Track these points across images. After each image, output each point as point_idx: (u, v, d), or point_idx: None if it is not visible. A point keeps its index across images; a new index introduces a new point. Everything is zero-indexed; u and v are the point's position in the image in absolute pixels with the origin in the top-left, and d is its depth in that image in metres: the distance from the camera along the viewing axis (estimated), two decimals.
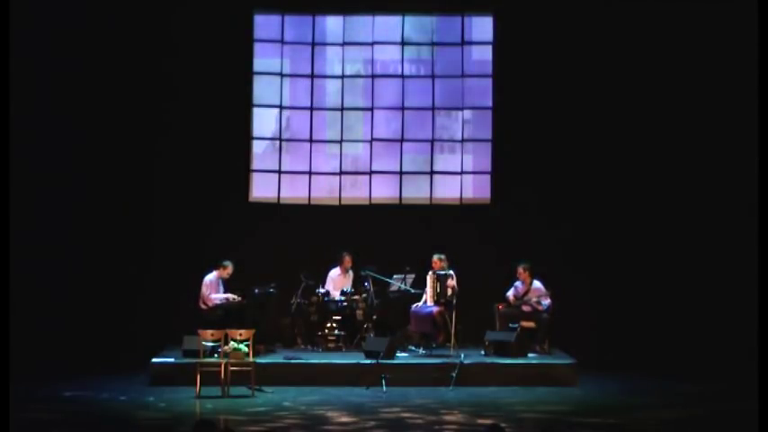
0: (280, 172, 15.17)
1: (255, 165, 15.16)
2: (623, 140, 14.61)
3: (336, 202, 15.16)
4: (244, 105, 15.04)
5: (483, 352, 12.78)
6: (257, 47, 15.11)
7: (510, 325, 12.94)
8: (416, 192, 15.18)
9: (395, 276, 13.57)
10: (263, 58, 15.14)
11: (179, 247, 14.37)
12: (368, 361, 12.17)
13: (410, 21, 15.23)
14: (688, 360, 13.24)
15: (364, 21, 15.22)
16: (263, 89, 15.15)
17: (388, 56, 15.24)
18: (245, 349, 11.39)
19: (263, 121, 15.18)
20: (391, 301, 13.72)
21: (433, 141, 15.23)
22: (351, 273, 14.00)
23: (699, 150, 14.42)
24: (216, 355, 11.64)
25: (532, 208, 14.71)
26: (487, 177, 15.12)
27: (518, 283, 13.47)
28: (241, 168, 15.03)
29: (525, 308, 13.31)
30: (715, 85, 14.32)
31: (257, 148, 15.17)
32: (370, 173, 15.22)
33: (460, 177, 15.17)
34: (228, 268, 13.23)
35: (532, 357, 12.71)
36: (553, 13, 14.69)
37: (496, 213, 14.86)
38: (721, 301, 13.99)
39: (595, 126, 14.65)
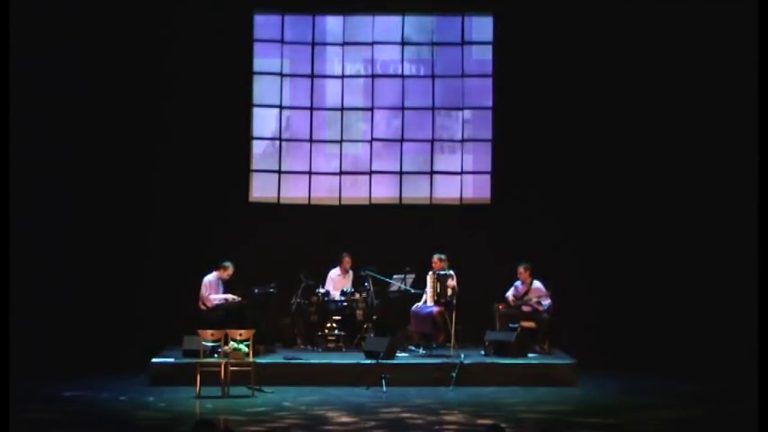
0: (280, 172, 15.17)
1: (255, 165, 15.16)
2: (623, 140, 14.62)
3: (336, 202, 15.16)
4: (244, 105, 15.04)
5: (483, 352, 12.77)
6: (257, 47, 15.11)
7: (510, 325, 12.94)
8: (416, 192, 15.18)
9: (395, 276, 13.57)
10: (263, 58, 15.15)
11: (179, 247, 14.37)
12: (368, 361, 12.16)
13: (410, 21, 15.23)
14: (688, 360, 13.25)
15: (364, 21, 15.23)
16: (263, 89, 15.16)
17: (388, 56, 15.25)
18: (245, 349, 11.39)
19: (263, 121, 15.18)
20: (391, 301, 13.72)
21: (433, 141, 15.23)
22: (351, 273, 14.00)
23: (699, 150, 14.43)
24: (216, 355, 11.64)
25: (532, 208, 14.71)
26: (487, 177, 15.12)
27: (518, 284, 13.47)
28: (241, 168, 15.03)
29: (525, 308, 13.31)
30: (715, 85, 14.32)
31: (257, 148, 15.17)
32: (370, 173, 15.22)
33: (460, 177, 15.17)
34: (229, 269, 13.23)
35: (532, 357, 12.71)
36: (553, 13, 14.70)
37: (497, 213, 14.86)
38: (721, 301, 13.99)
39: (595, 126, 14.66)
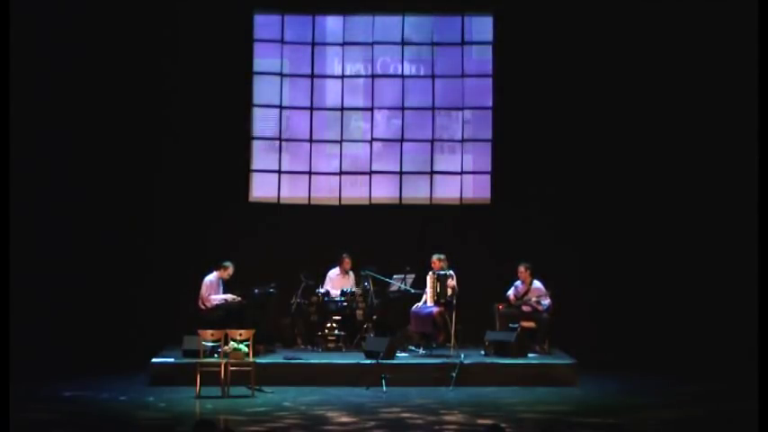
0: (280, 172, 15.17)
1: (255, 165, 15.16)
2: (623, 140, 14.63)
3: (336, 202, 15.16)
4: (244, 105, 15.04)
5: (483, 352, 12.77)
6: (257, 47, 15.11)
7: (510, 325, 12.94)
8: (416, 192, 15.18)
9: (395, 276, 13.57)
10: (263, 58, 15.15)
11: (179, 247, 14.37)
12: (368, 361, 12.16)
13: (410, 21, 15.23)
14: (688, 360, 13.25)
15: (364, 21, 15.23)
16: (263, 89, 15.16)
17: (388, 56, 15.24)
18: (245, 349, 11.39)
19: (263, 121, 15.18)
20: (391, 301, 13.72)
21: (433, 141, 15.23)
22: (351, 273, 14.00)
23: (699, 150, 14.43)
24: (216, 355, 11.64)
25: (532, 208, 14.71)
26: (487, 177, 15.12)
27: (518, 283, 13.47)
28: (241, 168, 15.03)
29: (525, 308, 13.31)
30: (715, 85, 14.32)
31: (257, 148, 15.17)
32: (370, 173, 15.22)
33: (460, 177, 15.17)
34: (229, 269, 13.23)
35: (532, 357, 12.71)
36: (553, 14, 14.70)
37: (497, 213, 14.86)
38: (721, 301, 13.99)
39: (595, 126, 14.66)
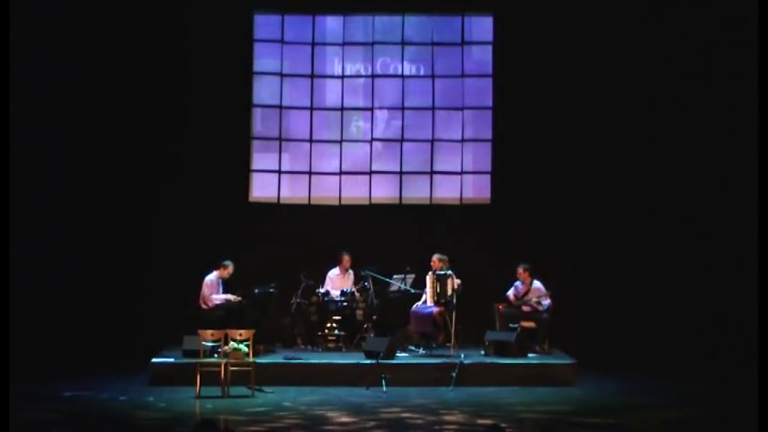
0: (280, 172, 15.17)
1: (255, 165, 15.16)
2: (623, 140, 14.63)
3: (336, 202, 15.16)
4: (244, 105, 15.04)
5: (483, 352, 12.77)
6: (257, 47, 15.12)
7: (510, 325, 12.94)
8: (416, 192, 15.18)
9: (395, 276, 13.57)
10: (263, 59, 15.15)
11: (179, 247, 14.37)
12: (368, 361, 12.16)
13: (410, 21, 15.23)
14: (688, 360, 13.25)
15: (364, 21, 15.23)
16: (263, 89, 15.16)
17: (388, 56, 15.25)
18: (245, 349, 11.39)
19: (263, 121, 15.18)
20: (391, 301, 13.72)
21: (433, 141, 15.23)
22: (351, 273, 14.00)
23: (699, 150, 14.43)
24: (216, 355, 11.64)
25: (532, 208, 14.71)
26: (487, 177, 15.13)
27: (518, 283, 13.47)
28: (241, 168, 15.03)
29: (525, 308, 13.31)
30: (715, 85, 14.31)
31: (257, 148, 15.17)
32: (370, 173, 15.22)
33: (460, 177, 15.17)
34: (229, 268, 13.23)
35: (532, 357, 12.70)
36: (553, 13, 14.70)
37: (497, 213, 14.87)
38: (721, 301, 13.99)
39: (595, 126, 14.67)
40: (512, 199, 14.85)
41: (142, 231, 14.50)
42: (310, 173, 15.20)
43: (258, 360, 11.68)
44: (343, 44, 15.20)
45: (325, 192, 15.17)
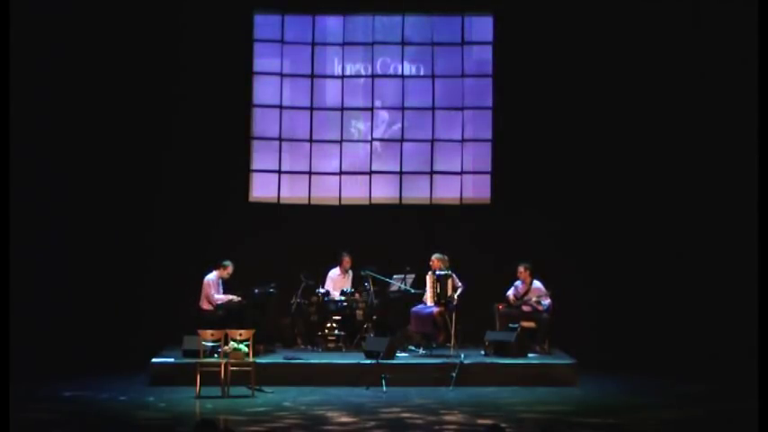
0: (280, 172, 15.17)
1: (255, 165, 15.16)
2: (623, 140, 14.63)
3: (336, 202, 15.16)
4: (244, 105, 15.04)
5: (483, 352, 12.77)
6: (257, 47, 15.12)
7: (510, 325, 12.94)
8: (416, 192, 15.18)
9: (395, 276, 13.56)
10: (263, 58, 15.15)
11: (179, 247, 14.37)
12: (368, 361, 12.16)
13: (410, 21, 15.23)
14: (688, 360, 13.25)
15: (364, 21, 15.23)
16: (263, 89, 15.16)
17: (388, 56, 15.24)
18: (245, 349, 11.39)
19: (263, 121, 15.18)
20: (391, 301, 13.72)
21: (433, 141, 15.23)
22: (350, 273, 14.00)
23: (699, 150, 14.43)
24: (216, 355, 11.64)
25: (532, 208, 14.71)
26: (487, 177, 15.13)
27: (518, 283, 13.47)
28: (241, 168, 15.03)
29: (525, 308, 13.32)
30: (715, 85, 14.32)
31: (257, 148, 15.17)
32: (370, 173, 15.22)
33: (460, 177, 15.17)
34: (228, 268, 13.23)
35: (532, 357, 12.71)
36: (553, 13, 14.70)
37: (497, 213, 14.87)
38: (721, 300, 13.99)
39: (595, 126, 14.66)
40: (512, 199, 14.85)
41: (142, 231, 14.49)
42: (310, 173, 15.20)
43: (258, 360, 11.68)
44: (344, 44, 15.20)
45: (326, 192, 15.17)
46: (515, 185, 14.86)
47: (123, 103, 14.48)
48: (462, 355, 12.19)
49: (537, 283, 13.34)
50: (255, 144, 15.16)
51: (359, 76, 15.26)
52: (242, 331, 11.39)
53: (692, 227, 14.43)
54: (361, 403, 10.86)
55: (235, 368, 11.34)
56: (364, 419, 9.99)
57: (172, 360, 12.14)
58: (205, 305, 13.12)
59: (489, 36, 15.15)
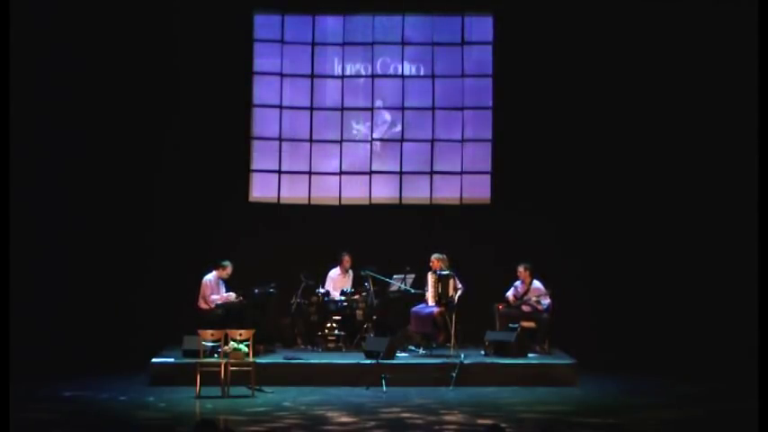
0: (280, 172, 15.17)
1: (255, 165, 15.16)
2: (623, 140, 14.63)
3: (336, 202, 15.16)
4: (244, 105, 15.04)
5: (483, 352, 12.77)
6: (257, 47, 15.12)
7: (510, 325, 12.94)
8: (416, 192, 15.18)
9: (395, 276, 13.56)
10: (263, 58, 15.14)
11: (179, 247, 14.37)
12: (368, 361, 12.16)
13: (410, 21, 15.23)
14: (688, 360, 13.24)
15: (364, 21, 15.23)
16: (263, 89, 15.16)
17: (388, 56, 15.24)
18: (245, 349, 11.39)
19: (263, 121, 15.18)
20: (391, 302, 13.72)
21: (433, 141, 15.23)
22: (351, 273, 14.01)
23: (699, 150, 14.44)
24: (216, 355, 11.64)
25: (532, 208, 14.71)
26: (487, 177, 15.13)
27: (518, 283, 13.47)
28: (241, 168, 15.03)
29: (525, 308, 13.32)
30: (715, 85, 14.32)
31: (257, 148, 15.17)
32: (370, 173, 15.22)
33: (460, 177, 15.17)
34: (228, 268, 13.23)
35: (532, 357, 12.71)
36: (553, 13, 14.70)
37: (497, 213, 14.87)
38: (721, 301, 13.99)
39: (595, 126, 14.67)
40: (512, 199, 14.85)
41: (142, 231, 14.49)
42: (310, 173, 15.20)
43: (258, 360, 11.68)
44: (344, 44, 15.20)
45: (326, 192, 15.17)
46: (515, 185, 14.86)
47: (123, 103, 14.48)
48: (462, 355, 12.19)
49: (537, 283, 13.34)
50: (255, 144, 15.16)
51: (359, 76, 15.26)
52: (242, 331, 11.39)
53: (692, 227, 14.43)
54: (361, 403, 10.86)
55: (235, 368, 11.34)
56: (364, 419, 9.99)
57: (172, 360, 12.14)
58: (203, 305, 13.12)
59: (489, 36, 15.15)
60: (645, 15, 14.50)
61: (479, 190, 15.14)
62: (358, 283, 13.85)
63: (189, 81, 14.60)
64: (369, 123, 15.22)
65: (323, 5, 15.18)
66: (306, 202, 15.17)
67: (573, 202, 14.70)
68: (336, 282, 13.92)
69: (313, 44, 15.19)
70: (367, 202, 15.16)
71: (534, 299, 13.24)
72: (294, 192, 15.17)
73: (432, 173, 15.22)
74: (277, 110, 15.21)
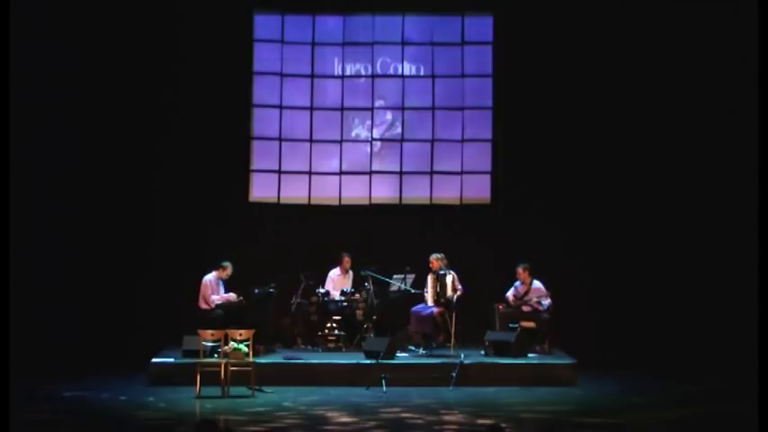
0: (280, 172, 15.17)
1: (255, 165, 15.16)
2: (623, 140, 14.63)
3: (336, 202, 15.16)
4: (244, 105, 15.04)
5: (483, 352, 12.78)
6: (257, 47, 15.12)
7: (510, 325, 12.94)
8: (416, 192, 15.18)
9: (395, 276, 13.56)
10: (263, 58, 15.14)
11: (179, 247, 14.37)
12: (368, 361, 12.16)
13: (410, 21, 15.23)
14: (688, 360, 13.24)
15: (364, 21, 15.23)
16: (263, 89, 15.16)
17: (388, 56, 15.24)
18: (245, 349, 11.39)
19: (263, 121, 15.18)
20: (391, 302, 13.72)
21: (433, 141, 15.23)
22: (351, 273, 14.00)
23: (699, 150, 14.44)
24: (216, 355, 11.64)
25: (532, 208, 14.71)
26: (487, 177, 15.13)
27: (518, 284, 13.47)
28: (241, 168, 15.03)
29: (525, 308, 13.31)
30: (715, 85, 14.32)
31: (257, 148, 15.17)
32: (370, 173, 15.22)
33: (460, 177, 15.17)
34: (228, 269, 13.23)
35: (532, 357, 12.70)
36: (553, 13, 14.70)
37: (497, 213, 14.87)
38: (721, 301, 13.99)
39: (595, 126, 14.67)
40: (512, 199, 14.86)
41: (142, 231, 14.50)
42: (310, 173, 15.20)
43: (258, 360, 11.68)
44: (343, 44, 15.20)
45: (325, 192, 15.17)
46: (515, 185, 14.87)
47: (124, 103, 14.48)
48: (462, 355, 12.18)
49: (537, 284, 13.34)
50: (255, 144, 15.16)
51: (359, 76, 15.26)
52: (242, 331, 11.39)
53: (692, 227, 14.43)
54: (361, 403, 10.86)
55: (235, 368, 11.34)
56: (364, 419, 9.99)
57: (172, 360, 12.14)
58: (203, 305, 13.12)
59: (489, 36, 15.15)
60: (645, 15, 14.50)
61: (479, 190, 15.14)
62: (358, 283, 13.85)
63: (189, 81, 14.61)
64: (369, 123, 15.22)
65: (323, 5, 15.18)
66: (306, 202, 15.17)
67: (573, 202, 14.70)
68: (336, 282, 13.92)
69: (313, 44, 15.20)
70: (367, 202, 15.16)
71: (534, 299, 13.24)
72: (294, 192, 15.16)
73: (432, 173, 15.22)
74: (277, 110, 15.21)
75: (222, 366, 11.28)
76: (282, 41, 15.18)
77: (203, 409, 10.65)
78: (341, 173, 15.20)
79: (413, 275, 13.44)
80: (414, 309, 13.06)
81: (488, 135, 15.14)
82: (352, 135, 15.24)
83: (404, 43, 15.23)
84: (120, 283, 14.24)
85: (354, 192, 15.16)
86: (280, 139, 15.20)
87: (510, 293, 13.44)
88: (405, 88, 15.23)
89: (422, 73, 15.27)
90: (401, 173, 15.22)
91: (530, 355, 12.72)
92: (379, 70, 15.25)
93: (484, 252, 14.38)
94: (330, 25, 15.23)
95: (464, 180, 15.17)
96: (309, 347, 13.37)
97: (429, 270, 13.06)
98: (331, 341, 13.34)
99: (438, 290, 12.85)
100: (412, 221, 14.86)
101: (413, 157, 15.24)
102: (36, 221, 14.04)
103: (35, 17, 13.93)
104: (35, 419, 9.91)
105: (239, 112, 14.99)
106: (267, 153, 15.17)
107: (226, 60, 14.76)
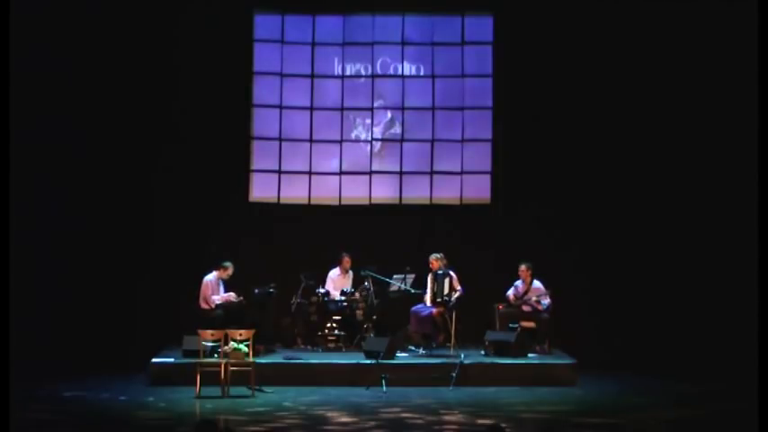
0: (280, 172, 15.17)
1: (255, 165, 15.16)
2: (624, 140, 14.63)
3: (336, 202, 15.16)
4: (244, 105, 15.04)
5: (483, 352, 12.78)
6: (257, 47, 15.11)
7: (510, 325, 12.95)
8: (416, 192, 15.17)
9: (395, 276, 13.57)
10: (263, 58, 15.14)
11: (179, 247, 14.37)
12: (368, 361, 12.16)
13: (410, 21, 15.23)
14: (688, 360, 13.24)
15: (364, 21, 15.23)
16: (263, 89, 15.16)
17: (388, 56, 15.24)
18: (245, 349, 11.39)
19: (263, 121, 15.18)
20: (391, 302, 13.72)
21: (433, 141, 15.23)
22: (351, 273, 14.00)
23: (699, 150, 14.43)
24: (216, 355, 11.64)
25: (532, 208, 14.71)
26: (487, 177, 15.13)
27: (518, 283, 13.47)
28: (241, 168, 15.03)
29: (525, 308, 13.32)
30: (715, 85, 14.32)
31: (257, 148, 15.17)
32: (370, 173, 15.22)
33: (460, 177, 15.17)
34: (229, 269, 13.23)
35: (532, 357, 12.71)
36: (553, 13, 14.70)
37: (497, 213, 14.87)
38: (721, 301, 13.99)
39: (595, 126, 14.67)
40: (512, 199, 14.86)
41: (142, 231, 14.49)
42: (310, 173, 15.20)
43: (258, 360, 11.68)
44: (343, 44, 15.20)
45: (325, 192, 15.16)
46: (515, 185, 14.87)
47: (124, 102, 14.48)
48: (462, 355, 12.19)
49: (537, 283, 13.35)
50: (255, 144, 15.16)
51: (359, 76, 15.26)
52: (242, 331, 11.39)
53: (693, 227, 14.42)
54: (361, 403, 10.86)
55: (235, 368, 11.35)
56: (364, 419, 9.99)
57: (172, 360, 12.15)
58: (203, 305, 13.13)
59: (489, 36, 15.15)
60: (645, 15, 14.50)
61: (479, 190, 15.14)
62: (358, 283, 13.85)
63: (189, 81, 14.60)
64: (369, 123, 15.22)
65: (323, 5, 15.18)
66: (306, 202, 15.16)
67: (573, 202, 14.70)
68: (336, 282, 13.92)
69: (313, 44, 15.19)
70: (367, 202, 15.16)
71: (534, 298, 13.24)
72: (294, 192, 15.16)
73: (432, 173, 15.21)
74: (277, 110, 15.21)
75: (222, 366, 11.29)
76: (282, 41, 15.18)
77: (203, 409, 10.66)
78: (341, 173, 15.20)
79: (413, 275, 13.45)
80: (413, 309, 13.07)
81: (488, 135, 15.13)
82: (352, 135, 15.25)
83: (404, 43, 15.23)
84: (120, 283, 14.23)
85: (354, 192, 15.16)
86: (280, 139, 15.20)
87: (510, 292, 13.44)
88: (405, 88, 15.23)
89: (422, 73, 15.27)
90: (401, 173, 15.21)
91: (530, 355, 12.73)
92: (379, 70, 15.25)
93: (484, 252, 14.38)
94: (330, 25, 15.23)
95: (464, 180, 15.17)
96: (309, 347, 13.37)
97: (429, 270, 13.07)
98: (331, 341, 13.35)
99: (435, 289, 12.85)
100: (412, 221, 14.86)
101: (413, 157, 15.23)
102: (36, 221, 14.03)
103: (35, 17, 13.92)
104: (35, 419, 9.91)
105: (239, 112, 14.99)
106: (267, 153, 15.17)
107: (226, 60, 14.76)
